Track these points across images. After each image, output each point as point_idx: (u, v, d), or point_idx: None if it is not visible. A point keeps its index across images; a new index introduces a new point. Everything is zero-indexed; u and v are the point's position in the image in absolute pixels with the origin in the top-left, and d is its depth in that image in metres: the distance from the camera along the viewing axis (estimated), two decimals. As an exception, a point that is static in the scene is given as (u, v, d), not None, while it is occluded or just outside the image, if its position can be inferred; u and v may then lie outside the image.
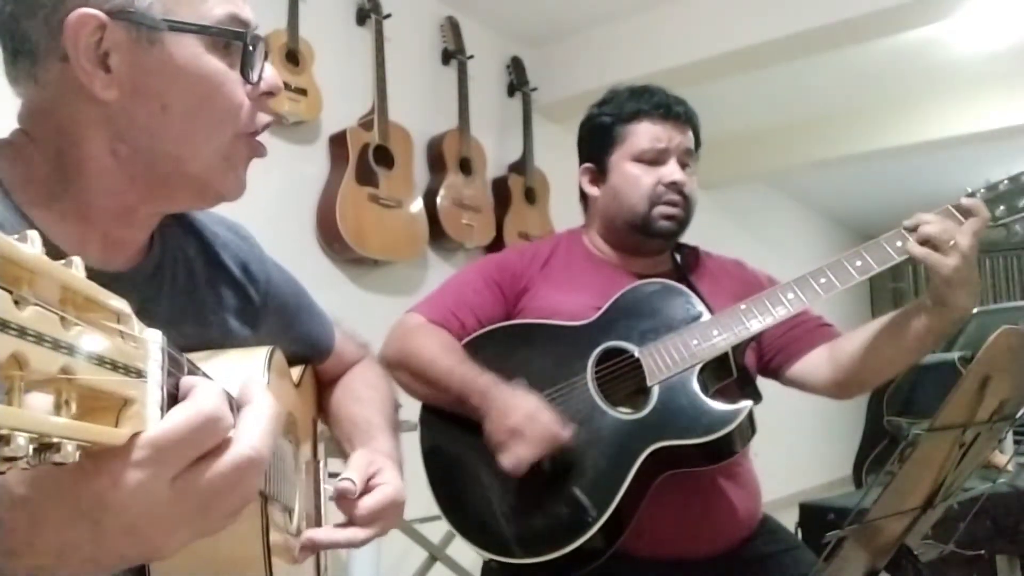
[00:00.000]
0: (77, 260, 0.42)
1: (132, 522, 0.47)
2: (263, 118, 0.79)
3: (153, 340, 0.48)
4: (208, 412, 0.49)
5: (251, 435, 0.53)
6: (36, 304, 0.37)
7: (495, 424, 1.31)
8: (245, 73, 0.75)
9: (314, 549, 0.86)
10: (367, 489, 0.88)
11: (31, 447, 0.37)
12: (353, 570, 2.43)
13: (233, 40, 0.74)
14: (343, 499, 0.86)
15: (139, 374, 0.46)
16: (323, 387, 1.10)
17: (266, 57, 0.78)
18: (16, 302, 0.36)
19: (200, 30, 0.72)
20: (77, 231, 0.73)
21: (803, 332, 1.48)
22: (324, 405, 1.09)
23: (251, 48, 0.75)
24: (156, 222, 0.81)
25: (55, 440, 0.39)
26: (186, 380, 0.51)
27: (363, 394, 1.07)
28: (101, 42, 0.69)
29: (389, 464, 0.93)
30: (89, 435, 0.41)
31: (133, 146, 0.73)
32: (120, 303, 0.45)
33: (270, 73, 0.78)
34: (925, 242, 1.23)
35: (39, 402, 0.39)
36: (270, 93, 0.79)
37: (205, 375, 0.55)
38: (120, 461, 0.46)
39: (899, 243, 1.29)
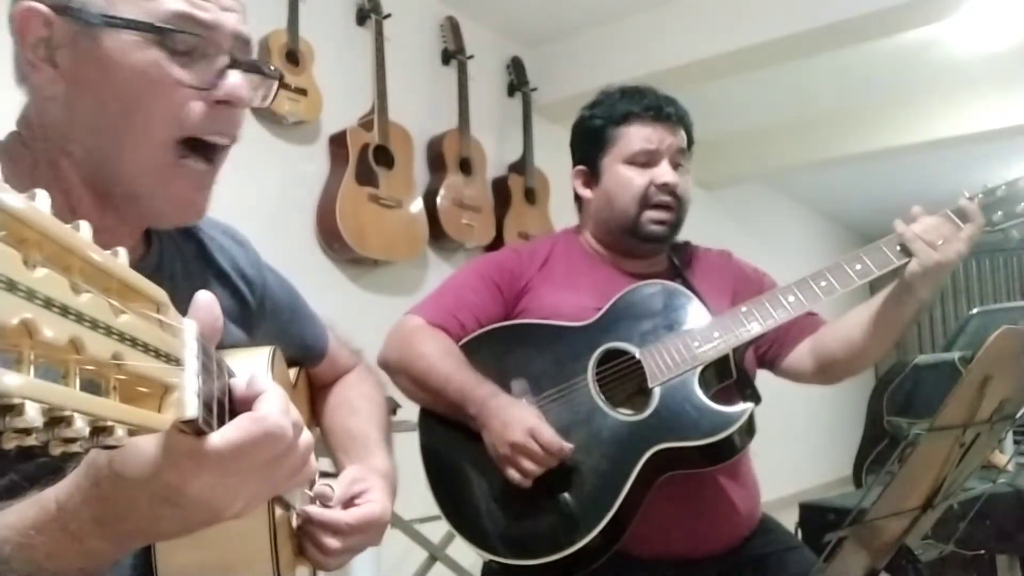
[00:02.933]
0: (123, 251, 0.43)
1: (206, 501, 0.55)
2: (210, 128, 0.73)
3: (189, 330, 0.50)
4: (269, 428, 0.55)
5: (272, 408, 0.58)
6: (88, 291, 0.38)
7: (496, 437, 1.31)
8: (190, 74, 0.71)
9: (308, 523, 0.84)
10: (352, 506, 0.87)
11: (87, 429, 0.38)
12: (353, 570, 2.43)
13: (166, 37, 0.70)
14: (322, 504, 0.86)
15: (178, 362, 0.47)
16: (315, 391, 1.10)
17: (237, 65, 0.73)
18: (72, 288, 0.37)
19: (129, 24, 0.69)
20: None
21: (791, 324, 1.48)
22: (317, 411, 1.08)
23: (193, 50, 0.71)
24: (138, 233, 0.80)
25: (109, 423, 0.40)
26: (254, 385, 0.56)
27: (359, 405, 1.06)
28: (51, 39, 0.70)
29: (380, 484, 0.92)
30: (139, 419, 0.42)
31: (82, 146, 0.72)
32: (160, 293, 0.47)
33: (234, 82, 0.73)
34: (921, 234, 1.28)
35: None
36: (227, 103, 0.73)
37: (229, 368, 0.58)
38: (189, 461, 0.52)
39: (898, 247, 1.31)
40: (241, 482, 0.56)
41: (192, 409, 0.47)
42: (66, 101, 0.72)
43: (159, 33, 0.69)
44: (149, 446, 0.53)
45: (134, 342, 0.41)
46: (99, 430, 0.40)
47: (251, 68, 0.76)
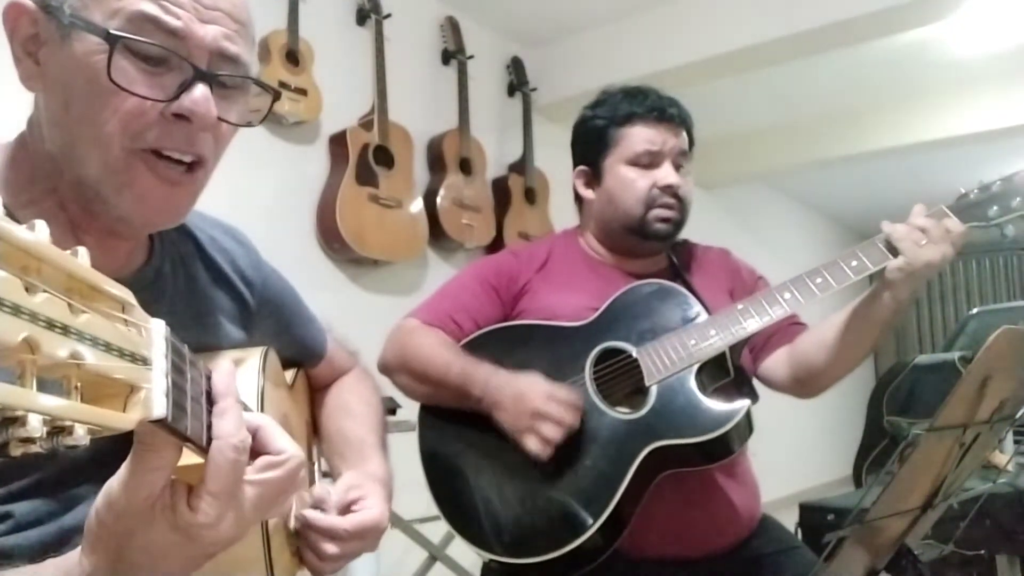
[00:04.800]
0: (83, 250, 0.43)
1: (216, 539, 0.57)
2: (166, 143, 0.70)
3: (157, 329, 0.49)
4: (291, 470, 0.61)
5: (292, 445, 0.62)
6: (46, 291, 0.38)
7: (512, 412, 1.30)
8: (152, 83, 0.69)
9: (306, 527, 0.84)
10: (349, 512, 0.87)
11: (44, 429, 0.38)
12: (353, 570, 2.43)
13: (129, 44, 0.67)
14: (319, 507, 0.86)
15: (144, 362, 0.47)
16: (313, 392, 1.10)
17: (205, 79, 0.70)
18: (27, 288, 0.37)
19: (90, 28, 0.67)
20: (64, 235, 0.73)
21: (774, 330, 1.48)
22: (315, 414, 1.08)
23: (161, 59, 0.69)
24: (135, 238, 0.80)
25: (67, 423, 0.40)
26: (218, 408, 0.57)
27: (356, 409, 1.06)
28: (38, 36, 0.70)
29: (377, 489, 0.91)
30: (99, 419, 0.42)
31: (55, 144, 0.72)
32: (124, 292, 0.46)
33: (195, 96, 0.69)
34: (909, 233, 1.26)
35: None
36: (182, 116, 0.70)
37: (207, 369, 0.58)
38: (201, 526, 0.55)
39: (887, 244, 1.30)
40: (252, 515, 0.59)
41: (160, 408, 0.47)
42: (43, 98, 0.72)
43: (115, 41, 0.67)
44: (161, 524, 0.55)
45: (94, 341, 0.41)
46: (57, 430, 0.40)
47: (223, 82, 0.72)
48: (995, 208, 1.30)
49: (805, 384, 1.45)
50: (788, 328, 1.49)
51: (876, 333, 1.35)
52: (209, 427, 0.56)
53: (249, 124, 0.78)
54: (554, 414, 1.27)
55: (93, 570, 0.56)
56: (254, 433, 0.59)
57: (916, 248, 1.25)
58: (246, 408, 0.60)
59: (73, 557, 0.57)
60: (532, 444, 1.28)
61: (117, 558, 0.55)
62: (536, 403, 1.28)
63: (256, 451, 0.59)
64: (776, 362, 1.48)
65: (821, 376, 1.43)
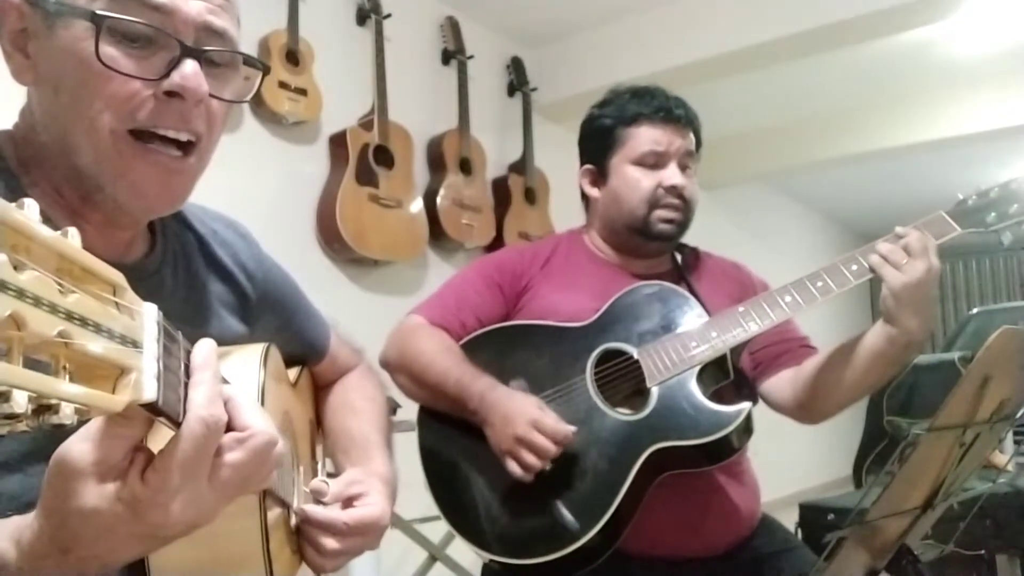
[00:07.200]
0: (73, 231, 0.42)
1: (164, 520, 0.53)
2: (160, 122, 0.70)
3: (149, 313, 0.49)
4: (259, 446, 0.57)
5: (261, 420, 0.58)
6: (34, 269, 0.38)
7: (499, 433, 1.30)
8: (140, 64, 0.68)
9: (305, 522, 0.83)
10: (350, 507, 0.86)
11: (30, 407, 0.38)
12: (353, 570, 2.43)
13: (114, 25, 0.67)
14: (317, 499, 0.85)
15: (135, 344, 0.46)
16: (318, 389, 1.09)
17: (193, 55, 0.70)
18: (15, 266, 0.37)
19: (74, 12, 0.67)
20: (66, 219, 0.73)
21: (784, 350, 1.47)
22: (319, 411, 1.08)
23: (146, 39, 0.69)
24: (136, 227, 0.80)
25: (53, 401, 0.39)
26: (192, 379, 0.54)
27: (360, 407, 1.06)
28: (27, 29, 0.70)
29: (379, 487, 0.90)
30: (88, 399, 0.42)
31: (49, 135, 0.72)
32: (115, 274, 0.46)
33: (185, 72, 0.69)
34: (886, 256, 1.24)
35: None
36: (174, 94, 0.69)
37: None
38: (149, 502, 0.52)
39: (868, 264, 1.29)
40: (213, 500, 0.56)
41: (151, 392, 0.47)
42: (34, 90, 0.73)
43: (100, 21, 0.66)
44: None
45: (83, 321, 0.41)
46: (44, 408, 0.39)
47: (212, 58, 0.72)
48: (993, 215, 1.30)
49: (808, 411, 1.43)
50: (797, 350, 1.47)
51: (881, 369, 1.32)
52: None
53: (240, 100, 0.78)
54: (536, 443, 1.26)
55: (40, 533, 0.54)
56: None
57: (894, 272, 1.22)
58: (225, 382, 0.58)
59: (29, 517, 0.55)
60: (513, 468, 1.29)
61: (60, 524, 0.53)
62: (519, 430, 1.27)
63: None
64: (779, 385, 1.46)
65: (827, 406, 1.40)
